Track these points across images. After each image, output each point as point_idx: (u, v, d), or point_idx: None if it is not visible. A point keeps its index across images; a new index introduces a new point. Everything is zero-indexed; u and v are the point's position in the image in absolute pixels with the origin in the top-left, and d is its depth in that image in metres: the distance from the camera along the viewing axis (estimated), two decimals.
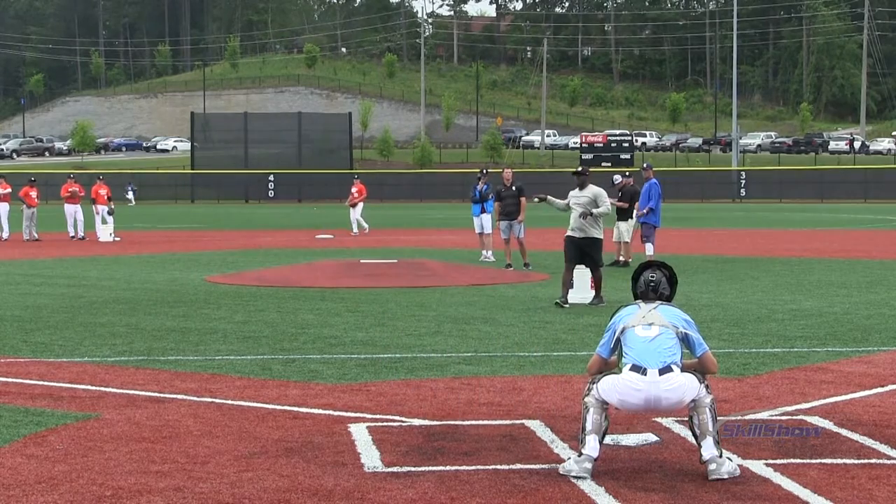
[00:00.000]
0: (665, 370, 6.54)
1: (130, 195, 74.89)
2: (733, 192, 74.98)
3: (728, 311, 14.45)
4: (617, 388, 6.60)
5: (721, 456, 6.53)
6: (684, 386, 6.55)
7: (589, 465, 6.53)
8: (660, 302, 6.91)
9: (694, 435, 6.63)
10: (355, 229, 35.70)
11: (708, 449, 6.50)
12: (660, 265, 7.14)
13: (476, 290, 17.52)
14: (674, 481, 6.48)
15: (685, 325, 6.76)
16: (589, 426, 6.59)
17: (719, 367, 9.90)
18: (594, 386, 6.70)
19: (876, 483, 6.42)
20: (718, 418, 6.72)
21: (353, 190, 35.86)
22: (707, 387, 6.63)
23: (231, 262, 23.87)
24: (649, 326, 6.70)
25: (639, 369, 6.56)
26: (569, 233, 15.40)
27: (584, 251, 15.24)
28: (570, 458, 6.68)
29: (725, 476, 6.46)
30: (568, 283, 15.21)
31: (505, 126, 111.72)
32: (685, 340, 6.75)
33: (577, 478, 6.47)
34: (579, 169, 15.72)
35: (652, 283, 6.97)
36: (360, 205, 35.83)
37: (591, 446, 6.55)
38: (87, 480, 6.45)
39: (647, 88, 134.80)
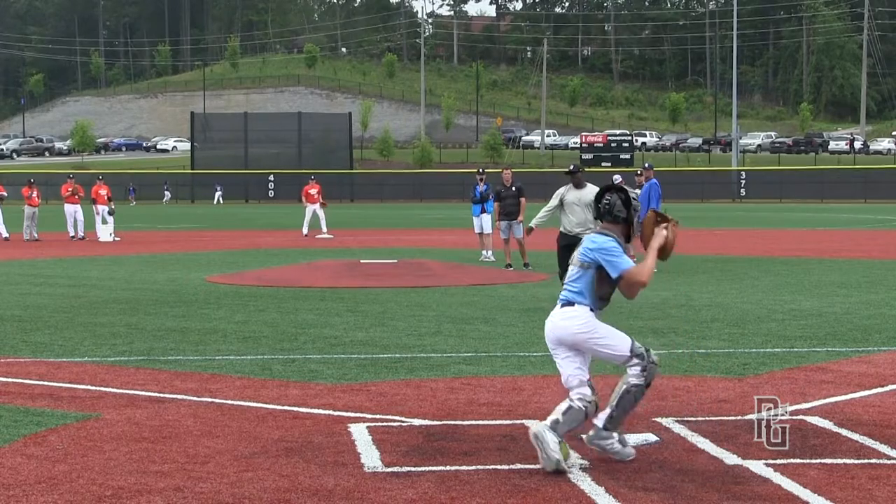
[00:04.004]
0: (566, 304, 6.82)
1: (219, 194, 75.30)
2: (733, 192, 74.98)
3: (728, 311, 14.44)
4: None
5: (605, 430, 6.76)
6: (579, 317, 6.76)
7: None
8: (600, 228, 6.99)
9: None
10: (312, 228, 35.08)
11: (600, 418, 6.77)
12: (618, 189, 7.15)
13: (476, 290, 17.51)
14: (674, 481, 6.47)
15: (591, 256, 6.80)
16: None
17: (719, 367, 9.93)
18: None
19: (876, 483, 6.42)
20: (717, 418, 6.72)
21: (313, 191, 35.40)
22: (643, 370, 6.75)
23: (231, 262, 23.87)
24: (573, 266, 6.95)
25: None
26: (569, 231, 14.88)
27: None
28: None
29: (604, 448, 6.77)
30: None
31: (505, 126, 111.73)
32: (600, 270, 6.80)
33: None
34: (572, 167, 15.40)
35: (607, 205, 7.03)
36: (318, 206, 35.44)
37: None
38: (87, 480, 6.45)
39: (647, 88, 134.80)
